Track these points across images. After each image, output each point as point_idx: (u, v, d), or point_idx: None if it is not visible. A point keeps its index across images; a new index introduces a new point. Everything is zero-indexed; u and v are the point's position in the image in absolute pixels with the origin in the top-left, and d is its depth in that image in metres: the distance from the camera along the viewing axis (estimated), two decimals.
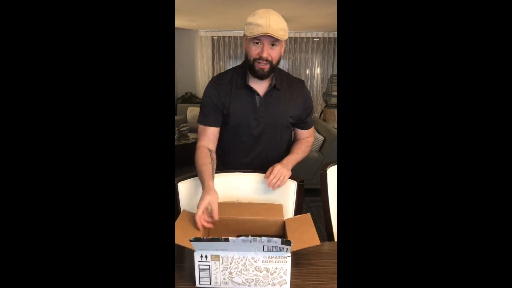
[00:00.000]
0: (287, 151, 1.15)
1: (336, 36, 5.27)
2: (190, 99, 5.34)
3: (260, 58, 0.96)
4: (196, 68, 5.43)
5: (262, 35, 0.93)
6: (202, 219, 0.83)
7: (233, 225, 0.90)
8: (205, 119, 1.07)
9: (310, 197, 2.50)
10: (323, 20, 4.09)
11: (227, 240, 0.68)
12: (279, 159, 1.10)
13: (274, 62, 0.98)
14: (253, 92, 1.03)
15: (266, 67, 0.97)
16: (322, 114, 4.85)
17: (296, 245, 0.74)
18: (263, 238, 0.68)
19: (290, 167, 1.02)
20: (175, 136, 3.76)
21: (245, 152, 1.10)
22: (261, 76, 0.99)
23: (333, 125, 4.14)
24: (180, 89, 5.50)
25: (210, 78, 5.45)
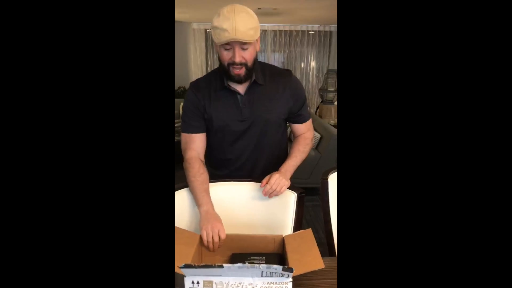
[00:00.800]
0: (281, 150, 1.08)
1: (332, 29, 5.18)
2: (183, 93, 5.23)
3: (234, 63, 0.89)
4: (189, 62, 5.30)
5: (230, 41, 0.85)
6: (216, 246, 0.83)
7: (227, 243, 0.84)
8: (189, 127, 1.00)
9: (306, 196, 2.46)
10: (319, 13, 4.00)
11: (221, 266, 0.61)
12: (272, 159, 1.04)
13: (250, 63, 0.91)
14: (233, 92, 0.97)
15: (242, 71, 0.90)
16: (318, 110, 4.79)
17: (298, 269, 0.68)
18: (261, 265, 0.62)
19: (289, 176, 0.96)
20: None
21: (235, 156, 1.03)
22: (238, 81, 0.93)
23: (329, 121, 4.09)
24: None
25: (203, 72, 5.42)
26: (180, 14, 4.27)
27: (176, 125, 3.85)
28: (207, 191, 0.92)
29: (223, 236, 0.82)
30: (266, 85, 0.98)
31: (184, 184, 0.96)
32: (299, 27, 5.17)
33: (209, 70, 5.37)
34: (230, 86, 0.96)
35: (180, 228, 0.84)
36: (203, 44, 5.22)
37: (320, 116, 4.42)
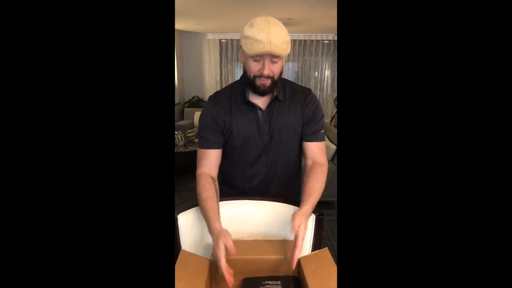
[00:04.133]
0: (296, 168, 1.03)
1: None
2: (197, 103, 5.25)
3: (261, 75, 0.86)
4: (204, 72, 5.35)
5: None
6: (228, 273, 0.71)
7: (239, 266, 0.78)
8: (205, 142, 0.95)
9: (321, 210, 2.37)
10: (333, 22, 3.96)
11: None
12: (286, 177, 0.99)
13: (276, 77, 0.88)
14: (254, 107, 0.94)
15: (268, 82, 0.87)
16: (333, 120, 4.69)
17: None
18: None
19: (308, 218, 0.84)
20: (182, 143, 3.66)
21: (254, 173, 0.99)
22: (262, 92, 0.90)
23: None
24: (187, 93, 5.41)
25: (217, 82, 5.46)
26: (195, 25, 4.32)
27: (190, 134, 3.86)
28: (215, 215, 0.83)
29: (229, 246, 0.73)
30: (286, 101, 0.96)
31: (192, 203, 0.92)
32: (313, 37, 5.14)
33: (222, 80, 5.39)
34: (252, 100, 0.93)
35: (188, 252, 0.78)
36: (218, 54, 5.26)
37: (335, 127, 4.33)
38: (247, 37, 0.82)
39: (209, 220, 0.82)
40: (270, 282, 0.75)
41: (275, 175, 0.99)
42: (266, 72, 0.85)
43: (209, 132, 0.95)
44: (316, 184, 0.89)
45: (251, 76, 0.87)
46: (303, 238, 0.76)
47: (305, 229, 0.78)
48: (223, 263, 0.71)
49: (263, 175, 0.99)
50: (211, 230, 0.80)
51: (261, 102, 0.94)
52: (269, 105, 0.94)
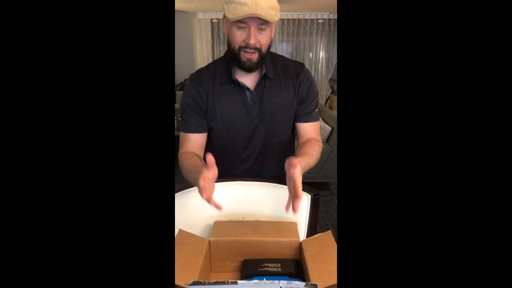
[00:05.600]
0: (290, 152, 0.97)
1: None
2: None
3: (247, 46, 0.78)
4: (195, 53, 5.20)
5: (248, 17, 0.73)
6: (210, 192, 0.65)
7: (239, 248, 0.76)
8: (187, 126, 0.89)
9: None
10: (328, 0, 3.83)
11: (235, 283, 0.54)
12: (281, 162, 0.94)
13: (264, 49, 0.80)
14: (241, 87, 0.85)
15: (254, 56, 0.79)
16: (327, 102, 4.66)
17: (321, 281, 0.59)
18: (281, 281, 0.54)
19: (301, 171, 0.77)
20: (175, 126, 3.61)
21: (241, 159, 0.93)
22: (249, 68, 0.81)
23: None
24: (179, 75, 5.29)
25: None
26: (185, 4, 4.15)
27: None
28: (201, 167, 0.73)
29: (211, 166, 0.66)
30: (277, 79, 0.87)
31: (185, 185, 0.88)
32: (307, 16, 5.00)
33: None
34: (238, 79, 0.85)
35: (186, 232, 0.76)
36: (209, 34, 5.10)
37: (330, 108, 4.30)
38: (230, 2, 0.74)
39: (197, 172, 0.71)
40: (270, 265, 0.74)
41: (267, 159, 0.94)
42: (252, 41, 0.76)
43: (191, 115, 0.88)
44: (311, 150, 0.83)
45: (236, 48, 0.79)
46: (300, 186, 0.66)
47: (300, 176, 0.69)
48: (205, 185, 0.63)
49: (254, 159, 0.94)
50: (199, 176, 0.66)
51: (249, 81, 0.86)
52: (258, 84, 0.86)
